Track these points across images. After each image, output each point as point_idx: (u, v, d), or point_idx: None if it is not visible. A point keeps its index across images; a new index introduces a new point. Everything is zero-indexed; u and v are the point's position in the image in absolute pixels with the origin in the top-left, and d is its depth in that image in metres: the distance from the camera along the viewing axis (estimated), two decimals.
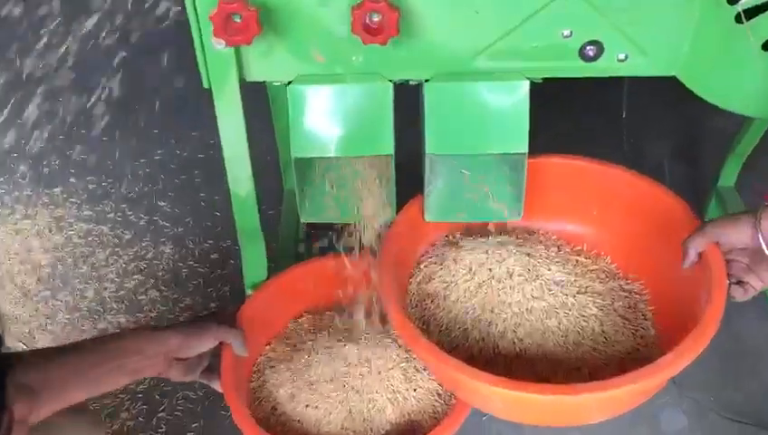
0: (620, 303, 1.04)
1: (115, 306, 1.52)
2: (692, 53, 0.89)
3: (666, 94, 1.29)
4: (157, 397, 1.36)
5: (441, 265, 1.06)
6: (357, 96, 0.92)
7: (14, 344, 1.43)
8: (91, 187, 1.78)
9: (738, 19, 0.84)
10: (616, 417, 0.94)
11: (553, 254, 1.08)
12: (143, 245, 1.64)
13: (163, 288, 1.55)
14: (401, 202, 1.04)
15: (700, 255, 0.94)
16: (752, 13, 0.84)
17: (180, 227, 1.67)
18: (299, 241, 1.49)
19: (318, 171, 0.97)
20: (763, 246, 0.87)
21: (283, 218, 1.55)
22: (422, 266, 1.08)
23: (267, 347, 1.16)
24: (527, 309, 1.00)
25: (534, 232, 1.14)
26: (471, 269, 1.03)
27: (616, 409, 0.93)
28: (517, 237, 1.10)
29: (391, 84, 0.92)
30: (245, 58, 0.90)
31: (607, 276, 1.09)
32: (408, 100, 0.98)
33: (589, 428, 1.17)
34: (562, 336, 0.98)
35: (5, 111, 1.87)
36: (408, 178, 1.03)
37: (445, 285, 1.03)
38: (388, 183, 0.98)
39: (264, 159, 1.44)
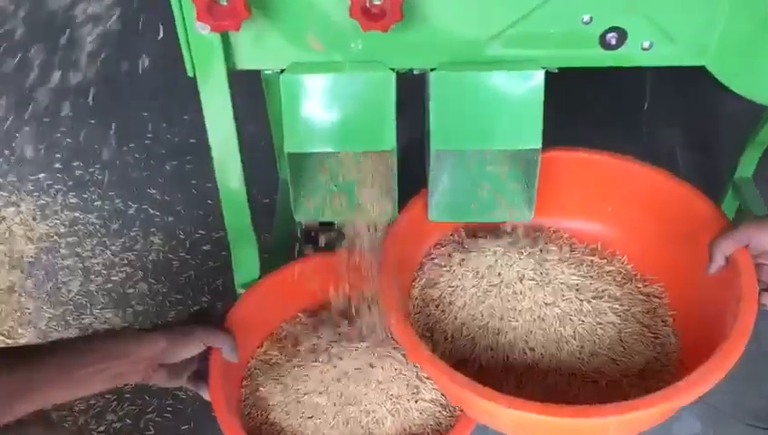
0: (638, 308, 0.97)
1: (102, 300, 1.46)
2: (723, 42, 0.82)
3: (675, 77, 1.22)
4: (146, 398, 1.31)
5: (446, 268, 0.99)
6: (356, 86, 0.84)
7: None
8: (77, 173, 1.70)
9: None
10: None
11: (567, 255, 1.01)
12: (131, 235, 1.57)
13: (152, 281, 1.48)
14: (403, 200, 0.97)
15: (727, 259, 0.87)
16: None
17: (170, 217, 1.60)
18: (295, 234, 1.41)
19: (313, 167, 0.91)
20: None
21: (278, 208, 1.47)
22: (426, 269, 1.00)
23: (259, 350, 1.09)
24: (539, 316, 0.93)
25: (545, 229, 1.07)
26: (478, 273, 0.96)
27: (636, 428, 0.86)
28: (527, 236, 1.03)
29: (393, 73, 0.84)
30: (234, 44, 0.82)
31: (623, 278, 1.02)
32: (412, 90, 0.91)
33: None
34: (578, 346, 0.92)
35: None
36: (411, 173, 0.96)
37: (450, 289, 0.96)
38: (389, 180, 0.91)
39: (258, 143, 1.37)
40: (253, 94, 1.16)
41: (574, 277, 0.97)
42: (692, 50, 0.83)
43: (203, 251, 1.52)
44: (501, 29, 0.81)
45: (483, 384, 0.86)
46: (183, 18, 0.78)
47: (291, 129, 0.86)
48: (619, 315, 0.95)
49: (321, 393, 0.99)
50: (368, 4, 0.74)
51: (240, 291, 1.07)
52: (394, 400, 0.97)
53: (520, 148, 0.88)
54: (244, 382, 1.05)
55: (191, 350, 0.93)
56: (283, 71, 0.84)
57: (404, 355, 1.00)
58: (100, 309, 1.44)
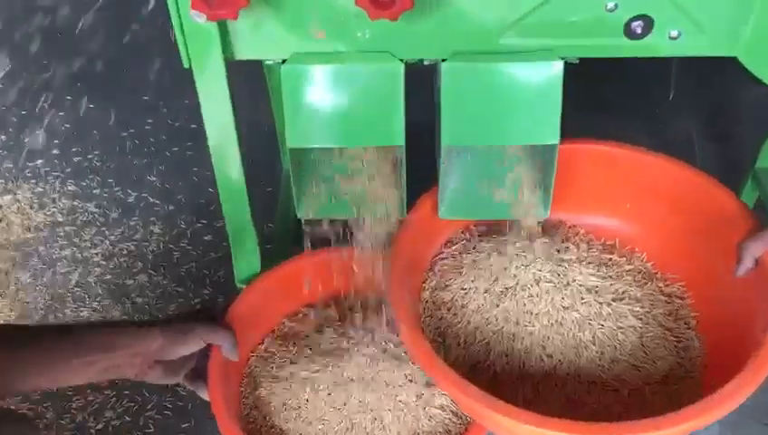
0: (660, 310, 0.93)
1: (101, 292, 1.41)
2: (756, 32, 0.76)
3: (692, 60, 1.15)
4: (145, 394, 1.27)
5: (458, 268, 0.94)
6: (362, 78, 0.79)
7: None
8: (75, 159, 1.65)
9: None
10: None
11: (584, 254, 0.95)
12: (131, 224, 1.52)
13: (152, 272, 1.43)
14: (410, 195, 0.92)
15: (757, 261, 0.82)
16: None
17: (171, 205, 1.55)
18: (299, 226, 1.37)
19: (317, 163, 0.85)
20: None
21: (281, 197, 1.43)
22: (437, 270, 0.96)
23: (260, 346, 1.05)
24: (557, 321, 0.88)
25: (561, 225, 1.02)
26: (492, 275, 0.91)
27: None
28: (543, 233, 0.98)
29: (402, 64, 0.78)
30: (232, 33, 0.77)
31: (643, 277, 0.97)
32: (422, 82, 0.85)
33: None
34: (597, 352, 0.87)
35: None
36: (420, 169, 0.91)
37: (463, 292, 0.92)
38: (398, 178, 0.86)
39: (261, 128, 1.32)
40: (255, 76, 1.11)
41: (593, 278, 0.92)
42: (722, 40, 0.77)
43: (204, 241, 1.47)
44: (518, 17, 0.76)
45: (498, 393, 0.82)
46: (177, 5, 0.73)
47: (293, 123, 0.81)
48: (640, 318, 0.90)
49: (324, 397, 0.95)
50: None
51: (240, 286, 1.03)
52: (401, 405, 0.93)
53: (536, 143, 0.82)
54: (244, 381, 1.01)
55: (190, 347, 0.90)
56: (284, 61, 0.79)
57: None
58: (98, 301, 1.39)
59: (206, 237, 1.48)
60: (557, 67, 0.78)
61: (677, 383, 0.87)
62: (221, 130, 0.83)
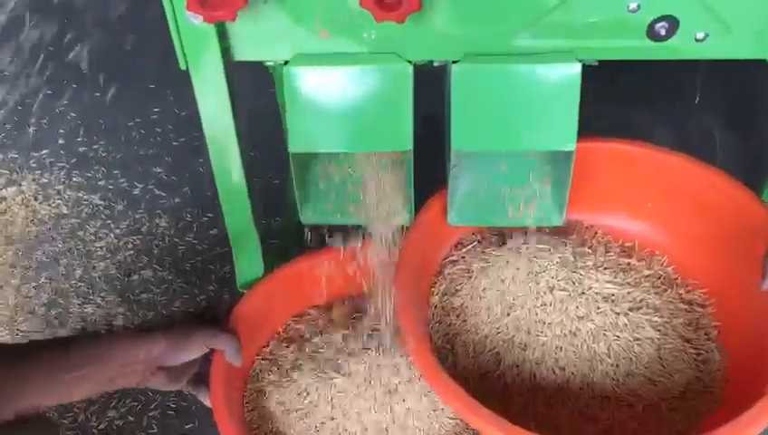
0: (680, 319, 0.89)
1: (105, 287, 1.38)
2: None
3: None
4: (149, 394, 1.24)
5: (469, 273, 0.90)
6: (369, 80, 0.75)
7: None
8: (80, 149, 1.62)
9: None
10: None
11: (601, 258, 0.91)
12: (137, 217, 1.49)
13: (157, 267, 1.40)
14: (420, 199, 0.89)
15: None
16: None
17: (177, 198, 1.52)
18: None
19: (321, 167, 0.81)
20: None
21: (289, 189, 1.39)
22: (446, 273, 0.92)
23: (265, 349, 1.03)
24: (570, 331, 0.85)
25: (578, 226, 0.98)
26: (504, 281, 0.88)
27: None
28: (559, 234, 0.94)
29: (411, 66, 0.74)
30: (231, 34, 0.73)
31: (663, 283, 0.93)
32: (431, 84, 0.81)
33: None
34: (612, 365, 0.84)
35: None
36: (427, 171, 0.86)
37: (472, 299, 0.88)
38: (405, 183, 0.82)
39: (269, 119, 1.28)
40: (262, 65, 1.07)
41: (609, 286, 0.88)
42: (752, 42, 0.72)
43: (210, 235, 1.44)
44: (533, 17, 0.71)
45: (508, 406, 0.80)
46: (172, 5, 0.69)
47: (295, 126, 0.78)
48: (659, 329, 0.86)
49: (329, 402, 0.92)
50: None
51: (242, 291, 1.01)
52: (413, 415, 0.90)
53: (552, 149, 0.78)
54: (249, 386, 0.99)
55: (192, 353, 0.88)
56: (286, 62, 0.75)
57: None
58: (102, 297, 1.37)
59: (212, 231, 1.45)
60: (575, 69, 0.74)
61: (696, 399, 0.83)
62: (220, 134, 0.80)
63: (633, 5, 0.69)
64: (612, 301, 0.87)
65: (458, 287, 0.90)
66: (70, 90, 1.75)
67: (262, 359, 1.02)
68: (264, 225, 1.41)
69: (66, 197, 1.53)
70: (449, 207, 0.87)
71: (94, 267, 1.41)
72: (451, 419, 0.90)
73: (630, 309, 0.87)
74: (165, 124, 1.66)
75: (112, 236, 1.46)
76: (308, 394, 0.93)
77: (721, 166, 0.92)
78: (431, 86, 0.82)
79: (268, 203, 1.41)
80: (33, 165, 1.59)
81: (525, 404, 0.83)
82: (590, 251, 0.93)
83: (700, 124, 1.52)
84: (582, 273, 0.88)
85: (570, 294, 0.86)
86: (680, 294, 0.93)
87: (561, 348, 0.84)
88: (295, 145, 0.78)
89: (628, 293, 0.89)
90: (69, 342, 0.85)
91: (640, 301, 0.89)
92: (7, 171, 1.58)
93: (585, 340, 0.84)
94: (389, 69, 0.74)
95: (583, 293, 0.86)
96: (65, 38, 1.83)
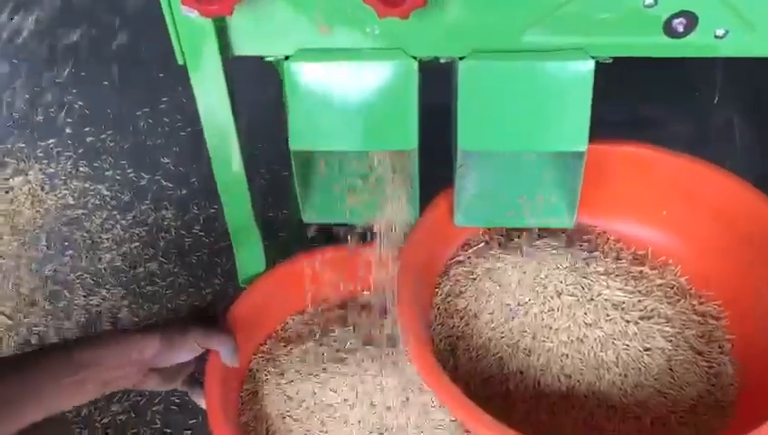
0: (693, 331, 0.86)
1: (111, 280, 1.37)
2: None
3: None
4: None
5: (474, 275, 0.88)
6: (372, 76, 0.72)
7: None
8: (88, 139, 1.60)
9: None
10: None
11: (612, 265, 0.88)
12: (143, 208, 1.48)
13: (163, 260, 1.39)
14: (425, 199, 0.86)
15: None
16: None
17: (184, 189, 1.50)
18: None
19: (323, 166, 0.79)
20: None
21: (292, 185, 1.37)
22: (451, 275, 0.89)
23: (262, 347, 1.00)
24: (578, 338, 0.82)
25: (589, 231, 0.95)
26: (510, 284, 0.85)
27: None
28: (569, 239, 0.91)
29: (416, 62, 0.71)
30: (229, 28, 0.71)
31: (676, 293, 0.90)
32: (437, 81, 0.77)
33: None
34: (620, 374, 0.81)
35: None
36: (431, 169, 0.84)
37: (477, 302, 0.86)
38: (409, 183, 0.79)
39: (277, 109, 1.26)
40: None
41: (620, 293, 0.85)
42: None
43: (216, 228, 1.43)
44: (544, 12, 0.68)
45: (511, 413, 0.77)
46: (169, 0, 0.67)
47: (296, 124, 0.75)
48: (670, 340, 0.83)
49: (328, 402, 0.90)
50: None
51: (243, 286, 0.99)
52: (413, 417, 0.87)
53: (562, 150, 0.75)
54: (245, 386, 0.97)
55: (187, 354, 0.86)
56: (287, 58, 0.72)
57: None
58: (107, 289, 1.35)
59: (217, 224, 1.43)
60: (587, 67, 0.71)
61: (707, 413, 0.80)
62: (219, 131, 0.78)
63: (649, 0, 0.66)
64: (622, 309, 0.84)
65: (463, 289, 0.88)
66: (77, 79, 1.73)
67: (259, 357, 0.99)
68: (272, 218, 1.40)
69: (73, 187, 1.52)
70: (456, 208, 0.84)
71: (100, 259, 1.40)
72: (452, 421, 0.88)
73: (641, 318, 0.84)
74: (173, 114, 1.64)
75: (118, 227, 1.45)
76: (306, 395, 0.91)
77: (740, 163, 0.88)
78: (440, 76, 0.79)
79: (276, 195, 1.39)
80: (40, 154, 1.59)
81: (528, 411, 0.80)
82: (601, 257, 0.89)
83: (717, 121, 1.48)
84: (592, 278, 0.85)
85: (578, 300, 0.83)
86: (693, 306, 0.89)
87: (567, 355, 0.81)
88: (296, 143, 0.76)
89: (639, 301, 0.85)
90: (54, 348, 0.85)
91: (652, 310, 0.86)
92: (14, 161, 1.57)
93: (593, 347, 0.81)
94: (394, 65, 0.71)
95: (592, 299, 0.84)
96: (73, 27, 1.81)
